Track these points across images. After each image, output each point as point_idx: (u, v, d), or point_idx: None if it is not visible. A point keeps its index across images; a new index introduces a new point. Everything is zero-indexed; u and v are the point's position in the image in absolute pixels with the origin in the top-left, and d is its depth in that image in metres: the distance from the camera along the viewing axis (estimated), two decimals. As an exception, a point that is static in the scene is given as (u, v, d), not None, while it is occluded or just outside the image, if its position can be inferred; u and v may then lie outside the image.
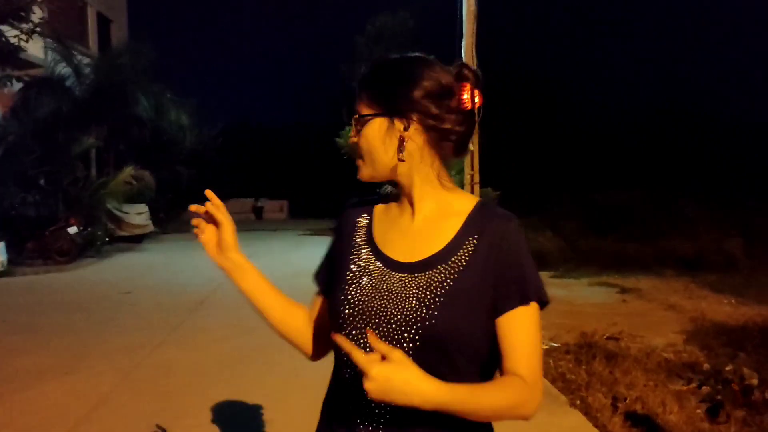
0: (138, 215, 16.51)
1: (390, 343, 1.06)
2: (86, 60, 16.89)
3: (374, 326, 1.10)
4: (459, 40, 12.04)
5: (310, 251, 14.56)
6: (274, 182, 31.14)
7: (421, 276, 1.10)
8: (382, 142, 1.14)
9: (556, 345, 5.70)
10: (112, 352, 5.71)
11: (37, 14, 12.32)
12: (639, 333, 6.27)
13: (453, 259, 1.10)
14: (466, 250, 1.11)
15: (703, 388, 4.03)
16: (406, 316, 1.07)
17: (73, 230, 12.49)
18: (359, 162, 1.20)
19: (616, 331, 6.17)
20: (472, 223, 1.13)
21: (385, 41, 23.25)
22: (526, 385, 1.06)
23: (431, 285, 1.08)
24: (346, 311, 1.14)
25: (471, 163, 12.02)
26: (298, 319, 1.33)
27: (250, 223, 25.75)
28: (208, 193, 1.27)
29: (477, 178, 12.03)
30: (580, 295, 8.58)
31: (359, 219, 1.27)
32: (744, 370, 3.88)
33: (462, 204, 1.16)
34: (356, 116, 1.17)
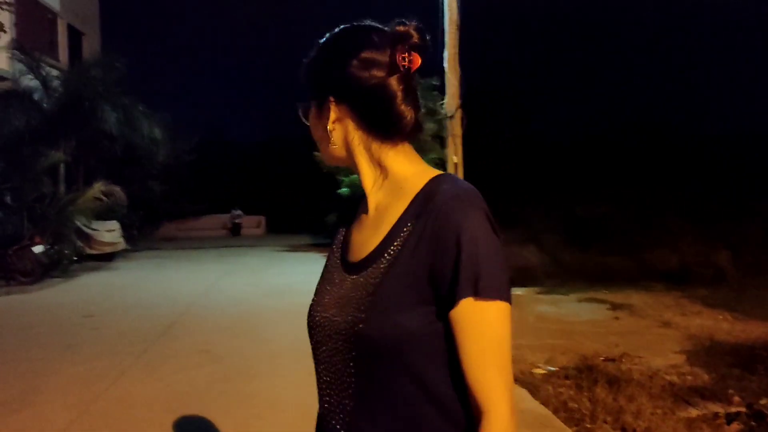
0: (108, 233, 15.91)
1: (337, 357, 0.97)
2: (55, 72, 16.35)
3: (327, 338, 0.99)
4: (441, 51, 11.78)
5: (287, 268, 14.13)
6: (250, 198, 30.56)
7: (362, 275, 0.98)
8: (316, 129, 1.07)
9: (553, 369, 5.30)
10: (69, 384, 5.19)
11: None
12: (637, 353, 5.93)
13: (389, 251, 0.96)
14: (400, 239, 0.95)
15: (733, 424, 3.65)
16: (345, 323, 0.95)
17: (38, 249, 11.89)
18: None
19: (617, 353, 5.81)
20: (414, 206, 0.96)
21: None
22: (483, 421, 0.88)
23: (365, 285, 0.96)
24: (308, 322, 1.05)
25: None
26: None
27: (226, 239, 25.20)
28: None
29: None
30: (570, 312, 8.23)
31: (348, 222, 1.13)
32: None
33: (413, 185, 0.99)
34: (302, 106, 1.09)
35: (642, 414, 4.30)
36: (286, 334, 6.77)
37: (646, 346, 6.25)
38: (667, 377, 5.18)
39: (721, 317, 7.74)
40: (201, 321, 7.77)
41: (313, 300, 1.07)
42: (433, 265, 0.91)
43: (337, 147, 1.04)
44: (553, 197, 18.70)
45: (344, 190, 16.22)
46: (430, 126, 16.71)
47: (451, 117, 11.79)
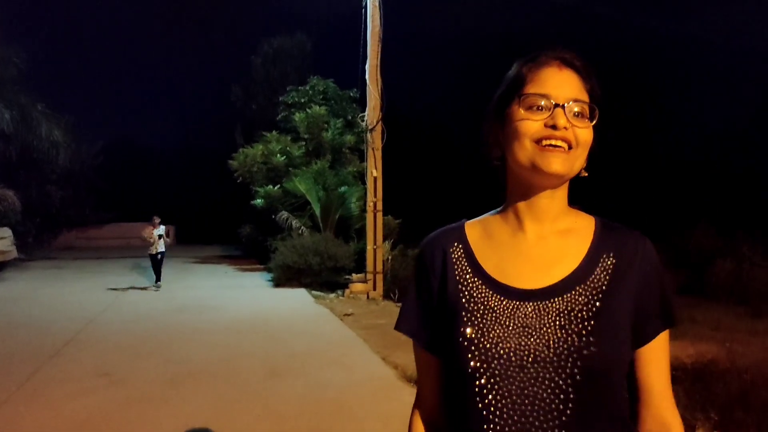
0: (-1, 240, 14.68)
1: (544, 384, 0.96)
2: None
3: (518, 369, 0.97)
4: (363, 62, 11.63)
5: (198, 281, 13.49)
6: (160, 206, 29.30)
7: (558, 301, 1.00)
8: (587, 132, 1.05)
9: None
10: (-60, 414, 4.55)
11: None
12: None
13: (591, 279, 1.01)
14: (604, 270, 1.02)
15: None
16: (557, 349, 0.96)
17: None
18: (561, 154, 1.01)
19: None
20: (604, 240, 1.06)
21: (281, 62, 22.70)
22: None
23: (574, 310, 0.99)
24: (476, 359, 0.99)
25: (374, 190, 11.56)
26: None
27: (132, 249, 23.99)
28: None
29: (380, 206, 11.59)
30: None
31: (451, 250, 1.11)
32: None
33: (582, 220, 1.10)
34: (585, 103, 1.03)
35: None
36: (197, 354, 6.32)
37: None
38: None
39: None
40: (100, 340, 7.15)
41: (465, 330, 1.02)
42: (638, 300, 1.02)
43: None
44: (479, 212, 18.71)
45: (258, 201, 15.73)
46: (349, 138, 16.58)
47: (372, 130, 11.65)
